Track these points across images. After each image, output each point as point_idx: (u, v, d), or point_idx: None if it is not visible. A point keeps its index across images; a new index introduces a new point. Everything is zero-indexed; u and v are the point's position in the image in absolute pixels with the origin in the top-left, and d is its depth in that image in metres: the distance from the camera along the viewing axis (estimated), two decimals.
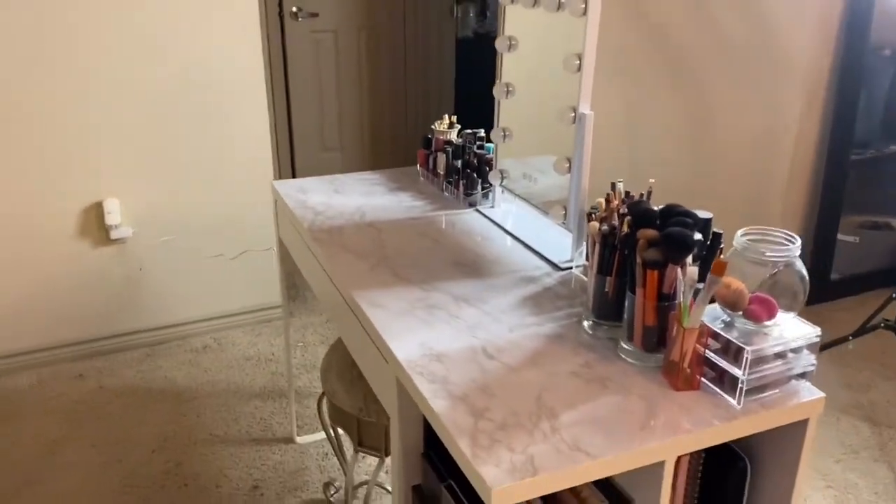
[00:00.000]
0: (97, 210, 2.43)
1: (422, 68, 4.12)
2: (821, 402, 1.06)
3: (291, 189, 1.88)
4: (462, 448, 0.94)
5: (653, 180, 1.32)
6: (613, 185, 1.41)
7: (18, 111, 2.25)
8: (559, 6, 1.39)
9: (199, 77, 2.43)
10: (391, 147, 4.22)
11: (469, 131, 1.90)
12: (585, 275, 1.41)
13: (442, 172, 1.87)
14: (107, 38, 2.28)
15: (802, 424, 1.07)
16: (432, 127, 1.97)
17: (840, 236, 3.01)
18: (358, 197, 1.83)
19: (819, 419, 2.25)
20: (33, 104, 2.26)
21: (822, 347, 2.52)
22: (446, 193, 1.85)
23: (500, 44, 1.59)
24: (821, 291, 3.02)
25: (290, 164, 3.97)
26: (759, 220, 2.90)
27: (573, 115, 1.38)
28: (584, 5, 1.32)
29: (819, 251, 2.99)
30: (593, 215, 1.21)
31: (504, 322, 1.25)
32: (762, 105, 2.79)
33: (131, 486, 1.99)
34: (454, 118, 1.98)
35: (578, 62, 1.35)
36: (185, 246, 2.59)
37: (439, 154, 1.88)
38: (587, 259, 1.41)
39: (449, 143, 1.90)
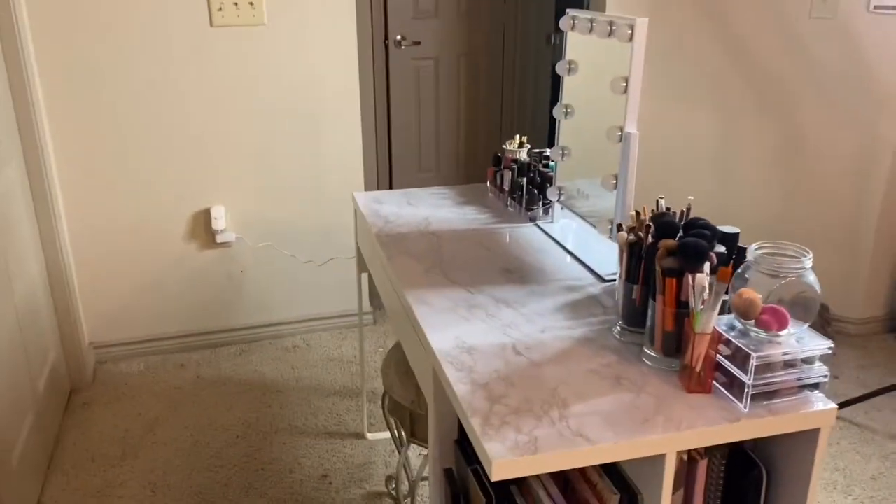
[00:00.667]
0: (205, 216, 2.69)
1: (518, 94, 4.24)
2: (832, 413, 1.09)
3: (368, 200, 2.04)
4: (473, 425, 1.04)
5: (692, 197, 1.38)
6: (657, 202, 1.47)
7: (139, 123, 2.54)
8: (610, 33, 1.48)
9: (301, 99, 2.66)
10: (484, 169, 4.36)
11: (536, 150, 2.00)
12: None
13: (507, 188, 1.98)
14: (224, 65, 2.54)
15: (815, 434, 1.10)
16: (503, 146, 2.08)
17: None
18: (426, 209, 1.96)
19: (895, 458, 2.17)
20: (153, 118, 2.54)
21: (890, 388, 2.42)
22: (510, 208, 1.96)
23: (560, 67, 1.69)
24: None
25: (388, 183, 4.18)
26: (853, 248, 2.83)
27: (620, 134, 1.46)
28: (630, 31, 1.40)
29: None
30: (622, 226, 1.29)
31: (537, 323, 1.33)
32: (855, 132, 2.73)
33: (216, 466, 2.18)
34: (524, 138, 2.09)
35: (625, 85, 1.43)
36: (281, 252, 2.81)
37: (506, 171, 1.99)
38: None
39: (515, 160, 2.01)
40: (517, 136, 2.09)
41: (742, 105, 2.93)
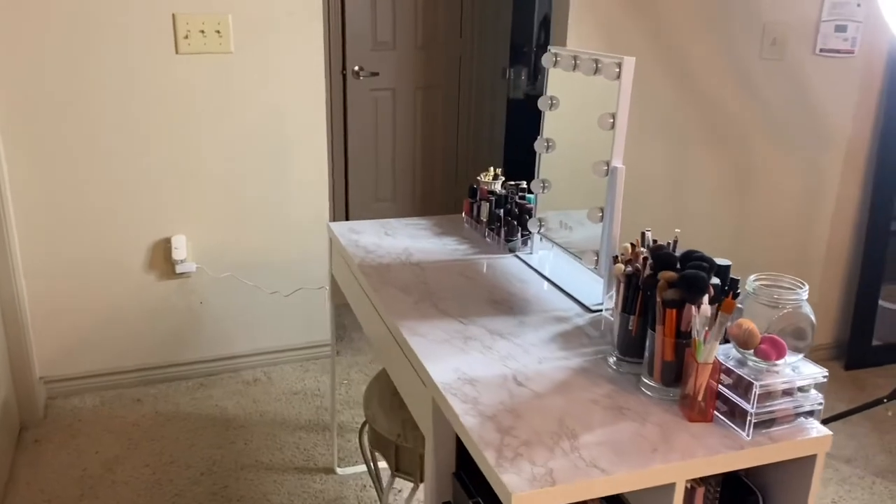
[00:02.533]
0: (165, 245, 2.62)
1: (474, 126, 4.30)
2: (828, 440, 1.13)
3: (345, 230, 2.03)
4: (487, 458, 1.04)
5: (678, 230, 1.42)
6: (643, 235, 1.51)
7: (99, 151, 2.47)
8: (596, 70, 1.52)
9: (267, 128, 2.63)
10: (440, 199, 4.39)
11: (512, 183, 2.03)
12: (611, 314, 1.51)
13: (485, 220, 2.00)
14: (189, 93, 2.50)
15: (811, 461, 1.14)
16: (478, 178, 2.10)
17: (882, 303, 3.02)
18: (405, 239, 1.96)
19: (852, 481, 2.25)
20: (113, 147, 2.48)
21: (859, 409, 2.53)
22: (488, 239, 1.98)
23: (542, 103, 1.72)
24: (862, 356, 3.02)
25: (344, 212, 4.16)
26: (801, 278, 2.95)
27: (606, 168, 1.49)
28: (617, 70, 1.45)
29: (860, 316, 3.01)
30: (618, 258, 1.31)
31: (534, 354, 1.35)
32: (803, 169, 2.86)
33: None
34: (499, 170, 2.12)
35: (612, 121, 1.47)
36: (244, 283, 2.76)
37: (483, 203, 2.01)
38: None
39: (492, 192, 2.03)
40: (491, 169, 2.12)
41: (694, 139, 3.04)
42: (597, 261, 1.54)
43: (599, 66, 1.52)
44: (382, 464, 2.12)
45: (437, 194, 4.37)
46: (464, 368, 1.29)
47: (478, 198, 2.07)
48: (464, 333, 1.42)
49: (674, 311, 1.17)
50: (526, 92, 4.38)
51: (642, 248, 1.31)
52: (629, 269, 1.27)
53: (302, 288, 2.83)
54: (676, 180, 3.12)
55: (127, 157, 2.50)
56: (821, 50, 2.71)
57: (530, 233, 1.87)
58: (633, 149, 3.15)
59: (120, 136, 2.48)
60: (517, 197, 1.97)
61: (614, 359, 1.31)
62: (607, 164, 1.50)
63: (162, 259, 2.64)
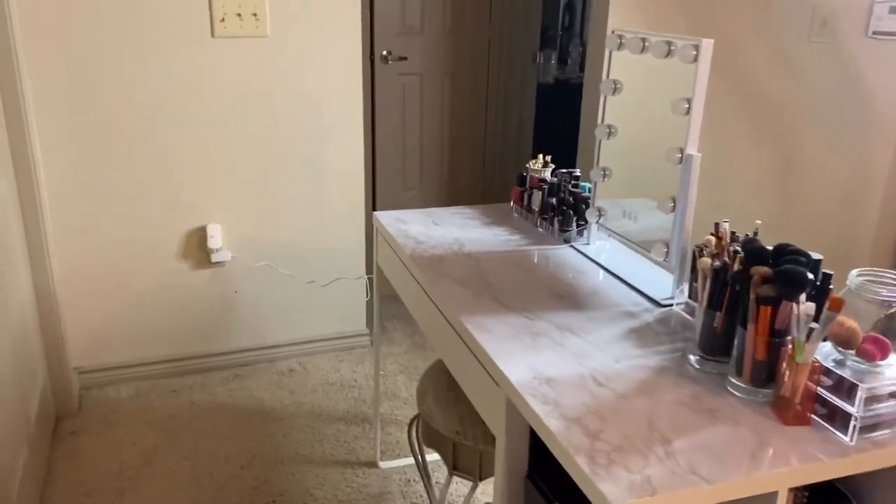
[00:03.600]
0: (200, 234, 2.57)
1: (502, 112, 4.22)
2: None
3: (392, 219, 1.96)
4: (581, 465, 0.98)
5: (759, 222, 1.35)
6: (717, 226, 1.44)
7: (134, 137, 2.42)
8: (668, 53, 1.45)
9: (303, 113, 2.57)
10: (467, 187, 4.32)
11: (564, 170, 1.97)
12: (687, 312, 1.44)
13: (537, 209, 1.93)
14: (225, 77, 2.44)
15: None
16: (527, 165, 2.04)
17: None
18: (454, 229, 1.90)
19: None
20: (148, 133, 2.42)
21: None
22: (540, 229, 1.91)
23: (604, 87, 1.65)
24: None
25: (371, 201, 4.10)
26: (846, 272, 2.87)
27: (680, 156, 1.42)
28: (695, 52, 1.37)
29: None
30: (704, 252, 1.25)
31: (609, 352, 1.28)
32: (850, 159, 2.78)
33: (222, 499, 2.07)
34: (548, 157, 2.05)
35: (687, 106, 1.40)
36: (279, 272, 2.71)
37: (535, 191, 1.94)
38: (690, 296, 1.45)
39: (544, 180, 1.97)
40: (540, 156, 2.05)
41: (735, 128, 2.96)
42: (667, 253, 1.48)
43: (673, 48, 1.45)
44: (430, 457, 2.07)
45: (465, 182, 4.31)
46: (538, 367, 1.23)
47: (528, 186, 2.00)
48: (531, 329, 1.36)
49: (768, 308, 1.11)
50: (556, 76, 4.30)
51: (733, 242, 1.24)
52: (717, 263, 1.20)
53: (341, 278, 2.78)
54: (716, 170, 3.04)
55: (162, 144, 2.45)
56: (874, 32, 2.62)
57: (586, 223, 1.81)
58: None
59: (154, 121, 2.42)
60: (570, 185, 1.91)
61: (696, 357, 1.25)
62: (681, 151, 1.43)
63: (197, 248, 2.59)
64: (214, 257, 2.59)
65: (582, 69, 4.52)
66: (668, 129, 1.52)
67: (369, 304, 2.88)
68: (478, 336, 1.33)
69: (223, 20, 2.38)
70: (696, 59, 1.38)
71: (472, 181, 4.33)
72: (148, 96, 2.39)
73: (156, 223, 2.52)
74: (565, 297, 1.51)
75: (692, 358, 1.26)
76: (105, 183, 2.42)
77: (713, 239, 1.26)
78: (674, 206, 1.45)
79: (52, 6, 2.22)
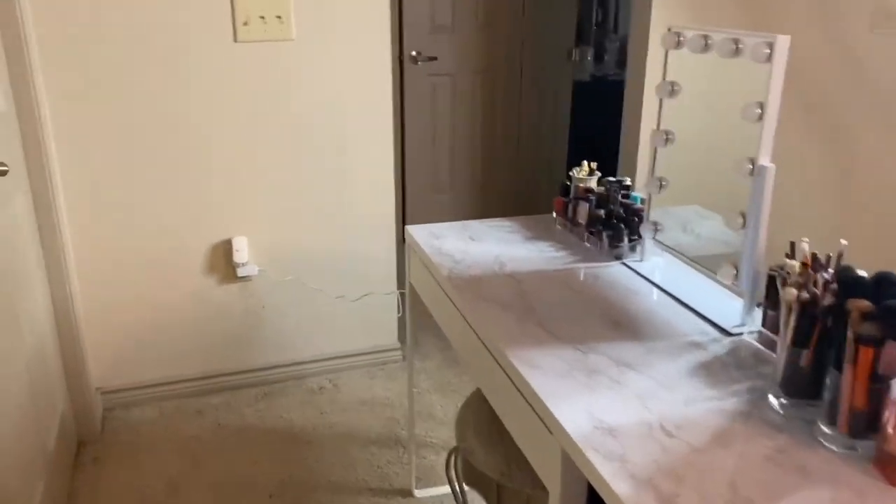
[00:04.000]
0: (225, 247, 2.46)
1: (537, 111, 4.07)
2: None
3: (425, 234, 1.83)
4: None
5: (845, 242, 1.19)
6: (793, 245, 1.28)
7: (155, 148, 2.31)
8: (736, 51, 1.29)
9: (331, 120, 2.45)
10: (501, 190, 4.17)
11: (613, 179, 1.81)
12: (761, 342, 1.28)
13: (583, 222, 1.78)
14: (249, 83, 2.32)
15: None
16: (570, 174, 1.89)
17: None
18: (494, 244, 1.76)
19: None
20: (170, 143, 2.32)
21: None
22: (587, 244, 1.76)
23: (661, 89, 1.50)
24: None
25: (401, 205, 3.97)
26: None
27: (751, 167, 1.27)
28: (768, 51, 1.22)
29: None
30: (786, 278, 1.09)
31: (677, 392, 1.13)
32: None
33: None
34: (594, 165, 1.89)
35: (760, 111, 1.24)
36: (307, 286, 2.59)
37: (580, 202, 1.79)
38: (764, 324, 1.29)
39: (590, 191, 1.81)
40: (585, 163, 1.90)
41: (788, 128, 2.76)
42: (736, 275, 1.32)
43: (741, 46, 1.29)
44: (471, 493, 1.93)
45: (499, 184, 4.16)
46: (597, 412, 1.08)
47: (572, 196, 1.85)
48: (585, 364, 1.21)
49: (870, 349, 0.95)
50: (592, 73, 4.13)
51: (819, 268, 1.08)
52: (804, 294, 1.04)
53: (370, 293, 2.65)
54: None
55: (184, 154, 2.34)
56: None
57: (639, 237, 1.65)
58: None
59: (176, 131, 2.31)
60: (620, 195, 1.75)
61: (778, 400, 1.09)
62: (752, 161, 1.27)
63: (223, 262, 2.48)
64: (241, 271, 2.48)
65: (619, 65, 4.34)
66: (733, 135, 1.36)
67: (401, 318, 2.75)
68: (525, 373, 1.19)
69: (246, 24, 2.27)
70: (769, 58, 1.22)
71: (507, 183, 4.18)
72: (169, 105, 2.28)
73: (180, 236, 2.41)
74: (620, 325, 1.36)
75: (774, 400, 1.10)
76: (126, 196, 2.32)
77: (795, 264, 1.10)
78: (744, 223, 1.30)
79: (67, 17, 2.12)
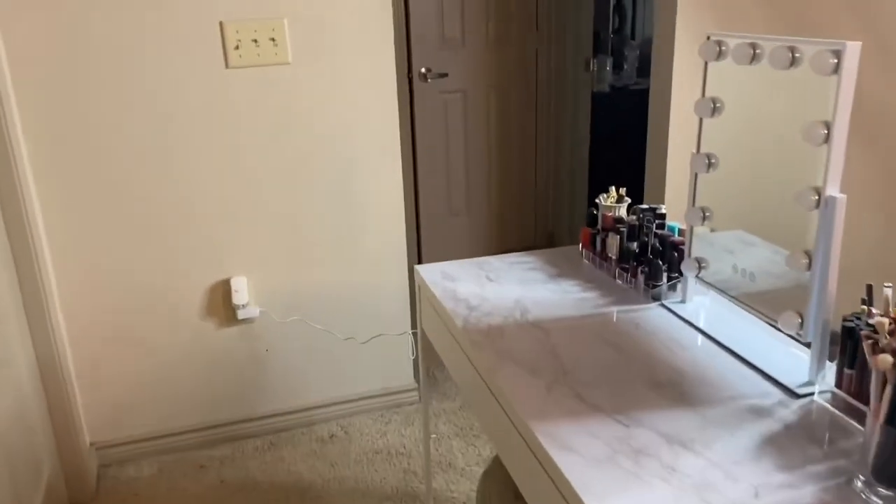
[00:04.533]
0: (224, 288, 2.29)
1: (554, 126, 3.87)
2: None
3: (436, 275, 1.64)
4: None
5: None
6: (870, 290, 1.08)
7: (143, 185, 2.15)
8: (792, 62, 1.09)
9: (332, 150, 2.27)
10: (518, 210, 3.98)
11: (645, 207, 1.61)
12: (836, 406, 1.07)
13: (614, 257, 1.58)
14: (243, 112, 2.16)
15: None
16: (597, 201, 1.69)
17: None
18: (515, 286, 1.56)
19: None
20: (159, 179, 2.15)
21: None
22: (619, 282, 1.56)
23: (701, 107, 1.30)
24: None
25: (415, 228, 3.78)
26: None
27: (817, 198, 1.06)
28: (834, 60, 1.01)
29: None
30: (876, 340, 0.88)
31: (743, 481, 0.93)
32: None
33: None
34: (623, 191, 1.70)
35: (826, 132, 1.04)
36: (314, 327, 2.41)
37: (610, 234, 1.59)
38: (838, 384, 1.08)
39: (620, 221, 1.62)
40: (612, 189, 1.70)
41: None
42: (801, 324, 1.11)
43: (798, 55, 1.09)
44: None
45: (515, 204, 3.96)
46: None
47: (601, 227, 1.66)
48: (630, 444, 1.01)
49: None
50: (612, 83, 3.93)
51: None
52: None
53: (382, 335, 2.46)
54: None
55: (177, 190, 2.17)
56: None
57: (680, 275, 1.45)
58: None
59: (166, 166, 2.15)
60: (654, 226, 1.55)
61: (871, 490, 0.88)
62: (818, 191, 1.06)
63: (221, 304, 2.30)
64: (241, 314, 2.30)
65: (640, 74, 4.14)
66: (787, 158, 1.17)
67: (422, 363, 2.56)
68: (558, 458, 0.99)
69: (238, 48, 2.10)
70: (836, 69, 1.02)
71: (524, 202, 3.98)
72: (158, 139, 2.12)
73: (174, 278, 2.24)
74: (666, 386, 1.15)
75: (863, 489, 0.89)
76: (114, 239, 2.16)
77: (885, 321, 0.90)
78: (810, 263, 1.09)
79: (44, 53, 1.96)
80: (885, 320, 0.90)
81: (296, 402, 2.47)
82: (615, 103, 3.86)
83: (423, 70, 3.57)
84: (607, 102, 3.83)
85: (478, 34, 3.62)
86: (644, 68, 4.16)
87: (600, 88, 3.83)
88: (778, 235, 1.21)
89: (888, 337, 0.88)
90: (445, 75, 3.61)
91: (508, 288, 1.55)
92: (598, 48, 3.93)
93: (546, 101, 3.84)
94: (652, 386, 1.16)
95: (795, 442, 1.00)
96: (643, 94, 3.88)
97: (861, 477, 0.90)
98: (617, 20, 4.64)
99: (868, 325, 1.02)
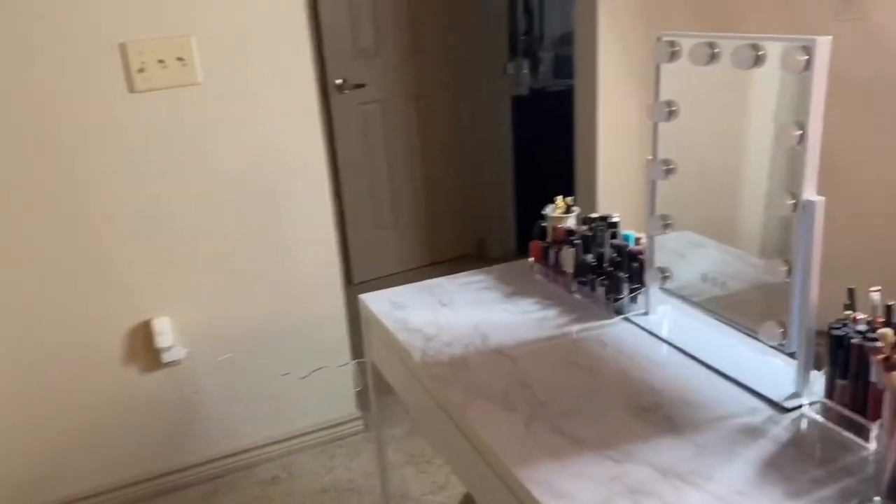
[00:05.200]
0: (145, 331, 2.10)
1: (476, 131, 3.81)
2: None
3: (384, 304, 1.52)
4: None
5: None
6: (851, 293, 1.04)
7: (45, 223, 1.94)
8: (756, 61, 1.04)
9: (253, 172, 2.12)
10: (448, 218, 3.90)
11: (597, 215, 1.55)
12: (829, 419, 1.02)
13: (570, 270, 1.51)
14: (147, 137, 1.98)
15: None
16: (543, 212, 1.62)
17: None
18: (471, 310, 1.46)
19: None
20: (63, 216, 1.95)
21: None
22: (578, 296, 1.49)
23: (656, 112, 1.24)
24: None
25: (344, 246, 3.64)
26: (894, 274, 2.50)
27: (793, 202, 1.01)
28: (804, 58, 0.96)
29: None
30: (883, 356, 0.83)
31: None
32: (891, 138, 2.41)
33: None
34: (570, 200, 1.63)
35: (800, 132, 0.99)
36: (247, 364, 2.25)
37: (564, 248, 1.52)
38: (829, 395, 1.03)
39: (572, 232, 1.55)
40: (559, 199, 1.63)
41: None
42: (783, 333, 1.06)
43: (762, 54, 1.03)
44: None
45: (444, 214, 3.88)
46: None
47: (552, 239, 1.58)
48: (624, 482, 0.93)
49: None
50: (530, 86, 3.90)
51: None
52: None
53: (323, 367, 2.33)
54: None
55: (85, 228, 1.98)
56: None
57: (641, 286, 1.39)
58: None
59: (71, 203, 1.95)
60: (608, 236, 1.49)
61: None
62: (794, 196, 1.01)
63: (143, 348, 2.12)
64: (166, 357, 2.12)
65: (556, 75, 4.13)
66: (747, 160, 1.12)
67: (369, 391, 2.44)
68: None
69: (142, 70, 1.93)
70: (806, 66, 0.97)
71: (451, 211, 3.90)
72: (58, 174, 1.92)
73: (87, 326, 2.04)
74: (649, 411, 1.08)
75: None
76: (15, 288, 1.95)
77: (888, 332, 0.85)
78: (789, 271, 1.04)
79: None
80: (889, 331, 0.85)
81: (232, 445, 2.30)
82: (535, 106, 3.83)
83: (338, 81, 3.44)
84: (527, 105, 3.79)
85: (393, 43, 3.52)
86: (560, 69, 4.16)
87: (519, 92, 3.78)
88: (739, 241, 1.16)
89: (893, 349, 0.83)
90: (362, 86, 3.49)
91: (464, 312, 1.45)
92: (514, 51, 3.90)
93: (466, 107, 3.77)
94: (634, 412, 1.08)
95: (796, 464, 0.95)
96: (561, 96, 3.87)
97: (876, 500, 0.85)
98: (526, 22, 4.62)
99: (858, 332, 0.98)
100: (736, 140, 1.14)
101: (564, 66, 4.17)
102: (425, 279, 1.61)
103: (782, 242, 1.06)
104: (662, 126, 1.26)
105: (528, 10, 4.63)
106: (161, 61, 1.94)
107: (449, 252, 3.96)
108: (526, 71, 3.82)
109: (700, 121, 1.20)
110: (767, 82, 1.05)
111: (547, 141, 3.83)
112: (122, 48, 1.90)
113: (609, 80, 2.52)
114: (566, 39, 4.92)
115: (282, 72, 2.09)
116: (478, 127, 3.79)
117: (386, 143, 3.64)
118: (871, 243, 2.49)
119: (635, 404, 1.10)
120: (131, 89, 1.94)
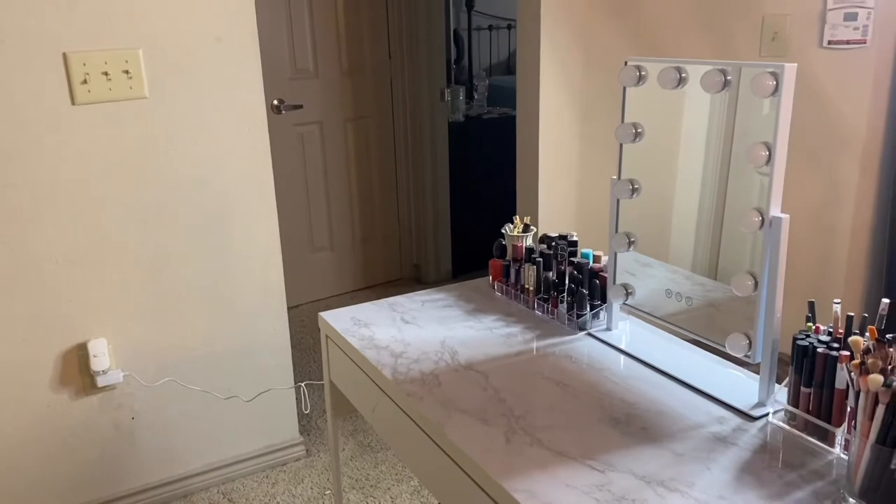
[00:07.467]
0: (79, 353, 2.00)
1: (414, 156, 3.83)
2: None
3: (347, 322, 1.51)
4: None
5: (887, 300, 1.01)
6: (812, 306, 1.10)
7: None
8: (724, 85, 1.10)
9: (197, 189, 2.07)
10: (383, 245, 3.89)
11: (555, 234, 1.58)
12: (794, 426, 1.07)
13: (531, 287, 1.53)
14: (88, 152, 1.91)
15: None
16: (503, 231, 1.64)
17: None
18: (435, 327, 1.47)
19: None
20: (5, 237, 1.85)
21: None
22: (539, 313, 1.51)
23: (622, 134, 1.28)
24: None
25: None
26: (822, 295, 2.64)
27: (760, 219, 1.07)
28: (773, 83, 1.03)
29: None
30: (863, 363, 0.88)
31: None
32: (816, 177, 2.57)
33: None
34: (527, 219, 1.66)
35: (767, 153, 1.05)
36: (188, 388, 2.17)
37: (526, 266, 1.54)
38: (793, 402, 1.08)
39: (531, 250, 1.58)
40: (517, 218, 1.66)
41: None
42: (749, 345, 1.11)
43: (729, 79, 1.09)
44: None
45: (380, 238, 3.87)
46: None
47: (510, 258, 1.61)
48: (611, 491, 0.95)
49: None
50: (466, 113, 3.96)
51: (890, 342, 0.88)
52: (892, 381, 0.83)
53: (269, 390, 2.27)
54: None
55: (14, 241, 1.88)
56: (829, 42, 2.43)
57: (602, 302, 1.43)
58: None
59: (7, 221, 1.85)
60: (569, 254, 1.52)
61: None
62: (761, 212, 1.07)
63: (77, 371, 2.01)
64: (101, 380, 2.02)
65: (491, 103, 4.21)
66: (702, 179, 1.18)
67: (302, 410, 2.39)
68: None
69: (86, 82, 1.86)
70: (774, 90, 1.03)
71: (388, 235, 3.90)
72: None
73: (17, 347, 1.93)
74: (626, 423, 1.11)
75: None
76: None
77: (859, 340, 0.90)
78: (756, 285, 1.09)
79: None
80: (860, 338, 0.90)
81: (170, 472, 2.21)
82: (471, 133, 3.90)
83: (275, 102, 3.40)
84: (463, 132, 3.85)
85: (331, 64, 3.52)
86: (494, 97, 4.24)
87: (455, 118, 3.84)
88: (690, 257, 1.23)
89: (863, 355, 0.89)
90: (300, 107, 3.46)
91: (429, 329, 1.45)
92: (451, 78, 3.96)
93: (404, 131, 3.79)
94: (610, 423, 1.11)
95: (770, 468, 0.99)
96: (497, 123, 3.95)
97: (850, 499, 0.89)
98: (456, 52, 4.71)
99: (822, 342, 1.03)
100: (688, 159, 1.20)
101: (498, 95, 4.27)
102: (359, 303, 1.60)
103: (732, 262, 1.11)
104: (628, 149, 1.30)
105: (457, 42, 4.72)
106: (105, 73, 1.88)
107: (384, 276, 3.95)
108: (462, 98, 3.88)
109: (661, 142, 1.26)
110: (728, 106, 1.11)
111: (483, 167, 3.90)
112: (65, 58, 1.83)
113: (550, 106, 2.59)
114: (497, 69, 5.05)
115: (230, 89, 2.06)
116: (416, 151, 3.81)
117: (323, 165, 3.61)
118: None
119: (609, 416, 1.13)
120: (73, 102, 1.86)
